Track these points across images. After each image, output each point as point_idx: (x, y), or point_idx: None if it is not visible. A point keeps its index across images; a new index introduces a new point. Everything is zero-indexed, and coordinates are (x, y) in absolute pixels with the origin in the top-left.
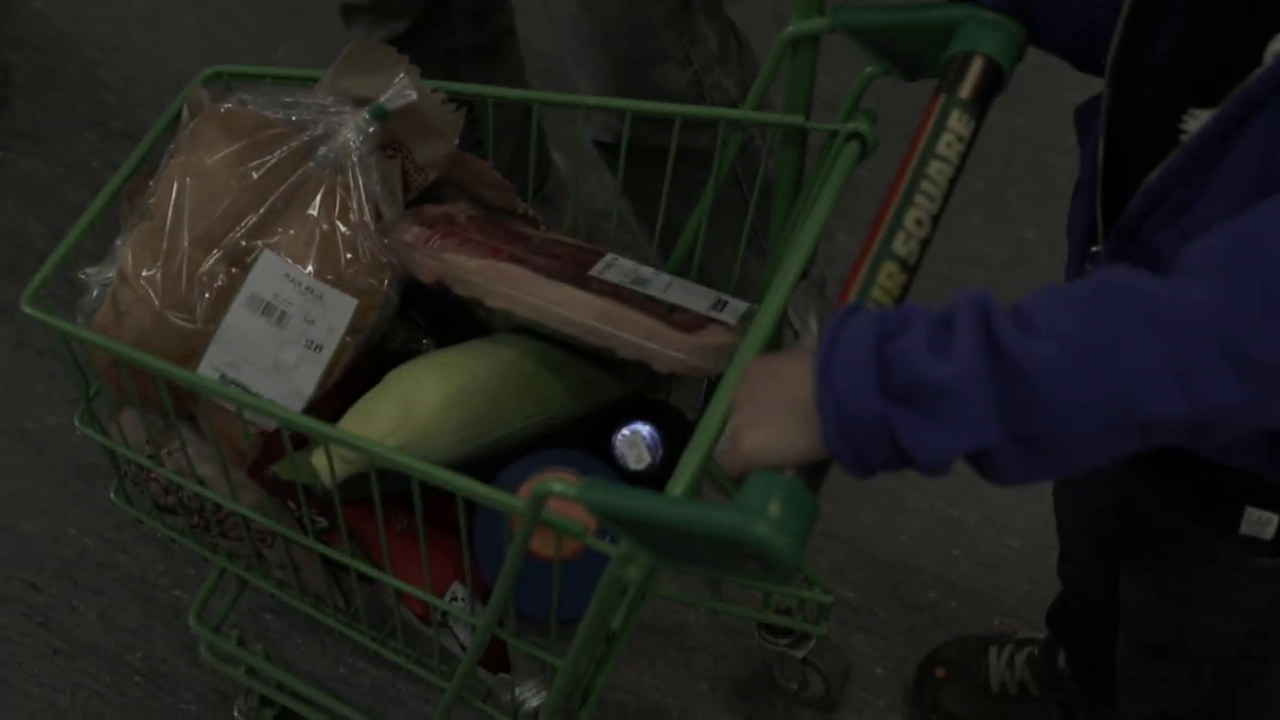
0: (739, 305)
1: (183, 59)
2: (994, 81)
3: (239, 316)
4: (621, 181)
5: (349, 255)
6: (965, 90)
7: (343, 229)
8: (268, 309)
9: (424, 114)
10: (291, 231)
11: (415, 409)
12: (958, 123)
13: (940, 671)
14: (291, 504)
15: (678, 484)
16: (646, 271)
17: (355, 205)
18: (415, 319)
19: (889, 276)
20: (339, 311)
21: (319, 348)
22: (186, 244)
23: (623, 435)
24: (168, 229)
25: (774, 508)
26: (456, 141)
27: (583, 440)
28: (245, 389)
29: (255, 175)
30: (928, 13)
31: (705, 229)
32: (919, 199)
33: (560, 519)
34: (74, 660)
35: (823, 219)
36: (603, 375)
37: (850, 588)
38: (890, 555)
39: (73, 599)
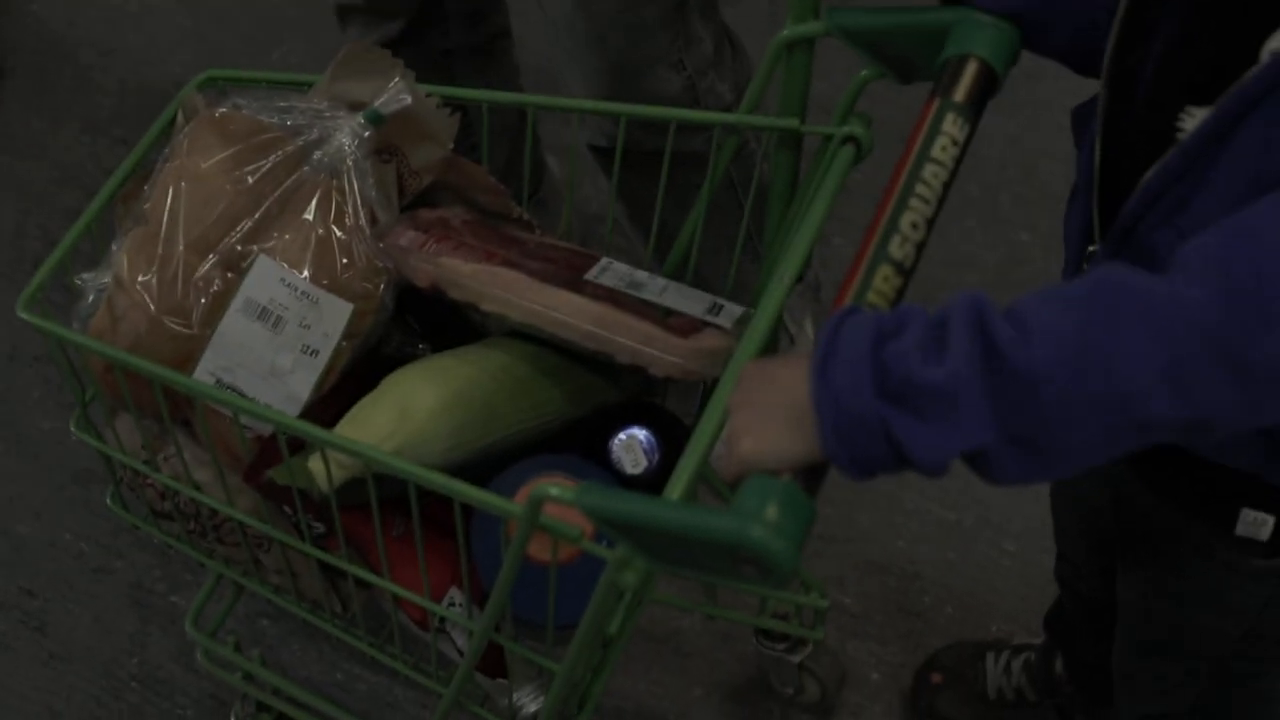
0: (734, 309)
1: (178, 63)
2: (988, 85)
3: (235, 321)
4: (616, 185)
5: (344, 260)
6: (960, 94)
7: (338, 234)
8: (263, 314)
9: (419, 118)
10: (287, 236)
11: (411, 413)
12: (952, 126)
13: (937, 677)
14: (288, 509)
15: (674, 488)
16: (642, 276)
17: (350, 210)
18: (411, 323)
19: (884, 280)
20: (334, 316)
21: (315, 352)
22: (182, 249)
23: (619, 440)
24: (163, 234)
25: (771, 511)
26: (451, 146)
27: (578, 445)
28: (241, 394)
29: (250, 180)
30: (922, 16)
31: (700, 233)
32: (914, 202)
33: (557, 523)
34: (69, 665)
35: (818, 223)
36: (598, 380)
37: (847, 593)
38: (887, 560)
39: (68, 604)
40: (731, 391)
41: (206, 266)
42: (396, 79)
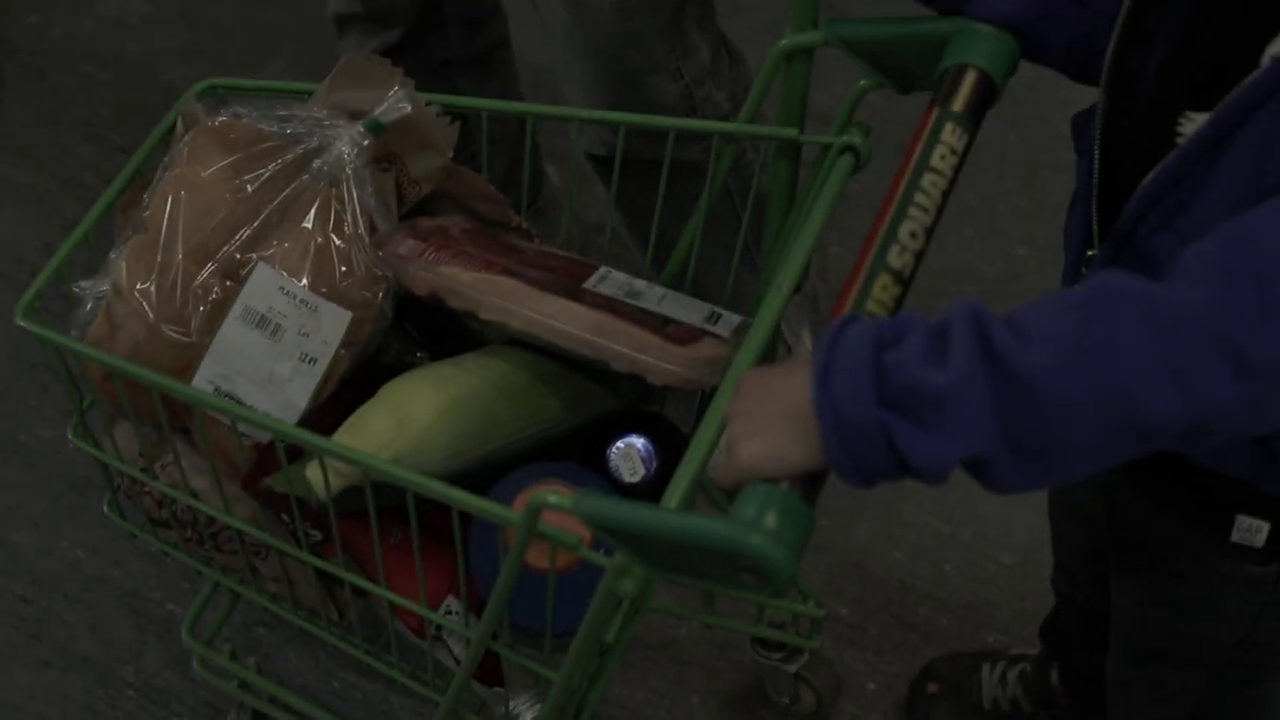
0: (733, 318)
1: (177, 72)
2: (987, 95)
3: (233, 329)
4: (615, 194)
5: (343, 268)
6: (958, 103)
7: (337, 242)
8: (262, 322)
9: (419, 127)
10: (286, 244)
11: (409, 422)
12: (951, 136)
13: (932, 688)
14: (285, 517)
15: (673, 496)
16: (640, 284)
17: (350, 218)
18: (409, 332)
19: (883, 289)
20: (333, 324)
21: (313, 360)
22: (181, 257)
23: (617, 448)
24: (162, 242)
25: (770, 519)
26: (451, 154)
27: (577, 453)
28: (240, 402)
29: (250, 188)
30: (921, 26)
31: (699, 242)
32: (913, 211)
33: (555, 531)
34: (65, 673)
35: (816, 232)
36: (596, 388)
37: (843, 602)
38: (884, 570)
39: (65, 612)
40: (730, 399)
41: (205, 274)
42: (396, 88)
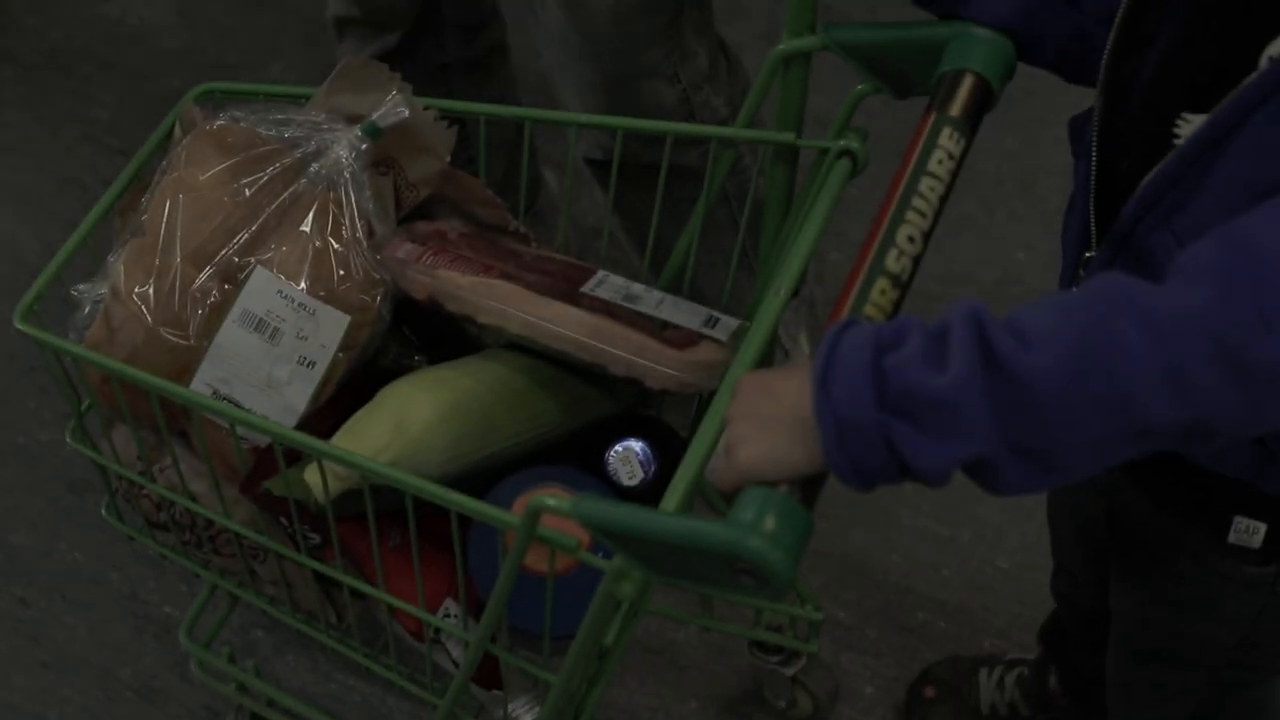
0: (730, 322)
1: (176, 75)
2: (984, 99)
3: (232, 333)
4: (613, 199)
5: (341, 272)
6: (956, 108)
7: (335, 246)
8: (260, 325)
9: (416, 131)
10: (284, 248)
11: (407, 425)
12: (948, 140)
13: (930, 691)
14: (284, 520)
15: (671, 499)
16: (638, 288)
17: (348, 222)
18: (407, 335)
19: (881, 293)
20: (332, 328)
21: (311, 364)
22: (179, 260)
23: (615, 451)
24: (160, 245)
25: (769, 522)
26: (449, 158)
27: (574, 456)
28: (238, 405)
29: (248, 192)
30: (918, 30)
31: (696, 246)
32: (911, 215)
33: (554, 534)
34: (63, 675)
35: (813, 237)
36: (594, 392)
37: (841, 606)
38: (882, 574)
39: (63, 614)
40: (728, 403)
41: (204, 278)
42: (394, 92)
